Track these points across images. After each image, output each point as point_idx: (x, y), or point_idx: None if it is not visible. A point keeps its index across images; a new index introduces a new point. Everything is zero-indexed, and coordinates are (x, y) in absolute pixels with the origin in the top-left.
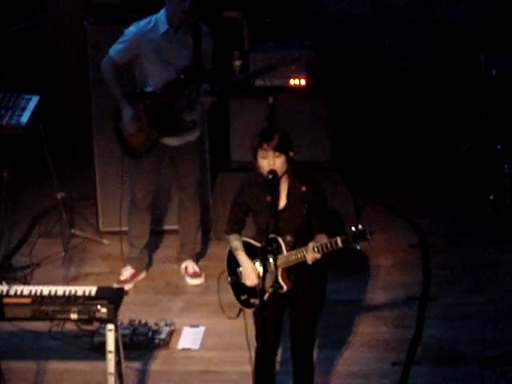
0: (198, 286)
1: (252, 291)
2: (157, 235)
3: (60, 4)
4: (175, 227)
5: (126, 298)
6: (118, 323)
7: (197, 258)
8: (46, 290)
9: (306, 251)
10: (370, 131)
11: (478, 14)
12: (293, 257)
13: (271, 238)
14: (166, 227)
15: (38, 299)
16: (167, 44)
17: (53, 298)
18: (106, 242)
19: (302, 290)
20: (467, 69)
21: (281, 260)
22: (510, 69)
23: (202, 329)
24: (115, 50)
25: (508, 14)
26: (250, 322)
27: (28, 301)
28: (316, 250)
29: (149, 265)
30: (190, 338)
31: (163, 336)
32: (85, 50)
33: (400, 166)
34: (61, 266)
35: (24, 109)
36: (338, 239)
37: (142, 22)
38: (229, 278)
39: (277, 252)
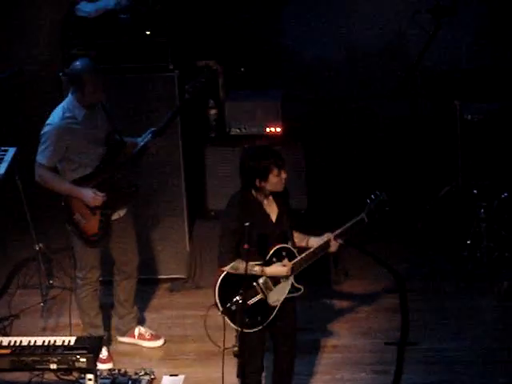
0: (160, 346)
1: (255, 310)
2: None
3: (36, 56)
4: (150, 277)
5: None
6: (98, 373)
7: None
8: (25, 340)
9: (327, 243)
10: (346, 177)
11: (451, 59)
12: (311, 256)
13: (278, 248)
14: (141, 277)
15: (17, 350)
16: (88, 126)
17: (32, 349)
18: None
19: (290, 316)
20: (442, 114)
21: (296, 264)
22: (484, 114)
23: (181, 377)
24: (44, 156)
25: (482, 58)
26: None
27: (7, 351)
28: (340, 236)
29: None
30: None
31: None
32: (61, 102)
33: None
34: (40, 317)
35: (1, 160)
36: (364, 216)
37: (56, 118)
38: (220, 307)
39: (290, 258)
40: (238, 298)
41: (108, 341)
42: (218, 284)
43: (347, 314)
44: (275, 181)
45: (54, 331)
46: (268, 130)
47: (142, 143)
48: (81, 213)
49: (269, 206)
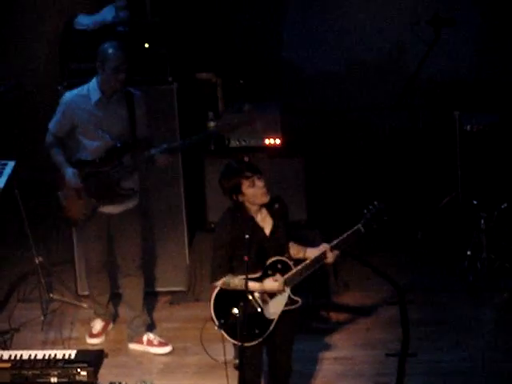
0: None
1: (253, 323)
2: None
3: (34, 69)
4: (150, 290)
5: (105, 361)
6: None
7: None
8: (25, 354)
9: (323, 255)
10: (347, 189)
11: (451, 70)
12: (307, 268)
13: (274, 261)
14: None
15: (18, 363)
16: (101, 112)
17: (32, 362)
18: (85, 305)
19: (288, 328)
20: (442, 125)
21: (290, 278)
22: (483, 124)
23: None
24: (53, 123)
25: (481, 69)
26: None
27: (7, 365)
28: (336, 247)
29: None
30: None
31: None
32: None
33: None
34: (40, 331)
35: (0, 174)
36: (360, 226)
37: (75, 91)
38: (217, 322)
39: (285, 271)
40: (234, 311)
41: (112, 316)
42: (212, 299)
43: (347, 325)
44: (251, 192)
45: (55, 345)
46: (267, 142)
47: (149, 153)
48: (67, 191)
49: (262, 219)
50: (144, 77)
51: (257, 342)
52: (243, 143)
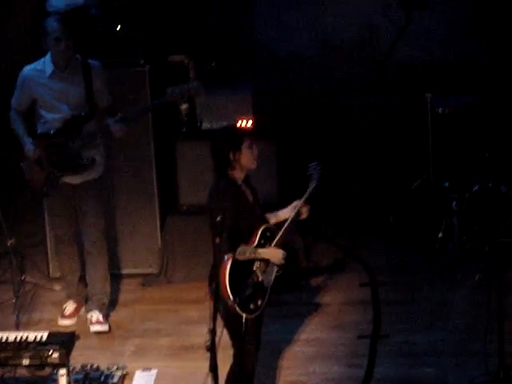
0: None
1: (256, 295)
2: None
3: (7, 50)
4: (122, 272)
5: (77, 343)
6: (70, 368)
7: (106, 308)
8: None
9: (300, 212)
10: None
11: (423, 53)
12: (289, 228)
13: (264, 229)
14: (112, 272)
15: None
16: (56, 85)
17: (4, 344)
18: (57, 287)
19: None
20: (414, 107)
21: (279, 241)
22: (455, 107)
23: (153, 372)
24: (14, 97)
25: (454, 51)
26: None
27: None
28: (306, 202)
29: None
30: (142, 382)
31: (115, 380)
32: None
33: (349, 205)
34: (12, 313)
35: None
36: (315, 182)
37: (32, 65)
38: (232, 298)
39: (272, 238)
40: (244, 285)
41: (84, 298)
42: (227, 275)
43: (319, 307)
44: (248, 153)
45: (27, 327)
46: (239, 123)
47: (104, 123)
48: (29, 163)
49: (245, 189)
50: (116, 59)
51: (258, 312)
52: (215, 126)
